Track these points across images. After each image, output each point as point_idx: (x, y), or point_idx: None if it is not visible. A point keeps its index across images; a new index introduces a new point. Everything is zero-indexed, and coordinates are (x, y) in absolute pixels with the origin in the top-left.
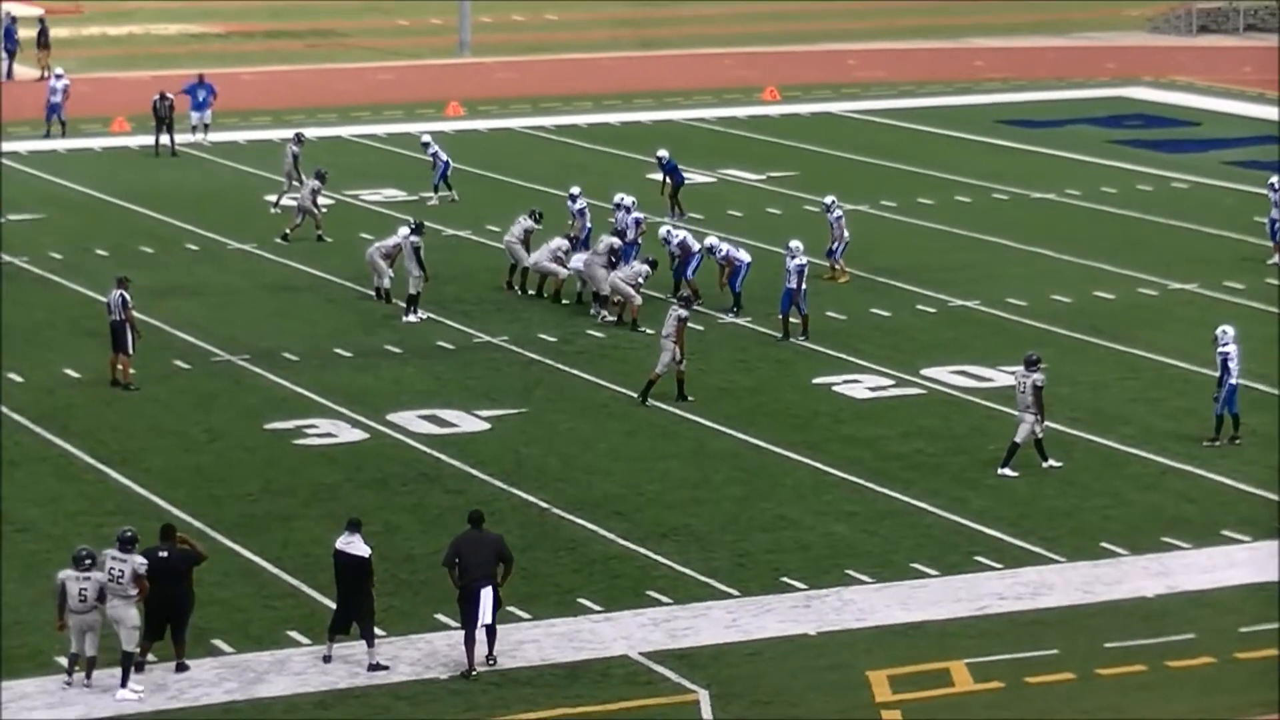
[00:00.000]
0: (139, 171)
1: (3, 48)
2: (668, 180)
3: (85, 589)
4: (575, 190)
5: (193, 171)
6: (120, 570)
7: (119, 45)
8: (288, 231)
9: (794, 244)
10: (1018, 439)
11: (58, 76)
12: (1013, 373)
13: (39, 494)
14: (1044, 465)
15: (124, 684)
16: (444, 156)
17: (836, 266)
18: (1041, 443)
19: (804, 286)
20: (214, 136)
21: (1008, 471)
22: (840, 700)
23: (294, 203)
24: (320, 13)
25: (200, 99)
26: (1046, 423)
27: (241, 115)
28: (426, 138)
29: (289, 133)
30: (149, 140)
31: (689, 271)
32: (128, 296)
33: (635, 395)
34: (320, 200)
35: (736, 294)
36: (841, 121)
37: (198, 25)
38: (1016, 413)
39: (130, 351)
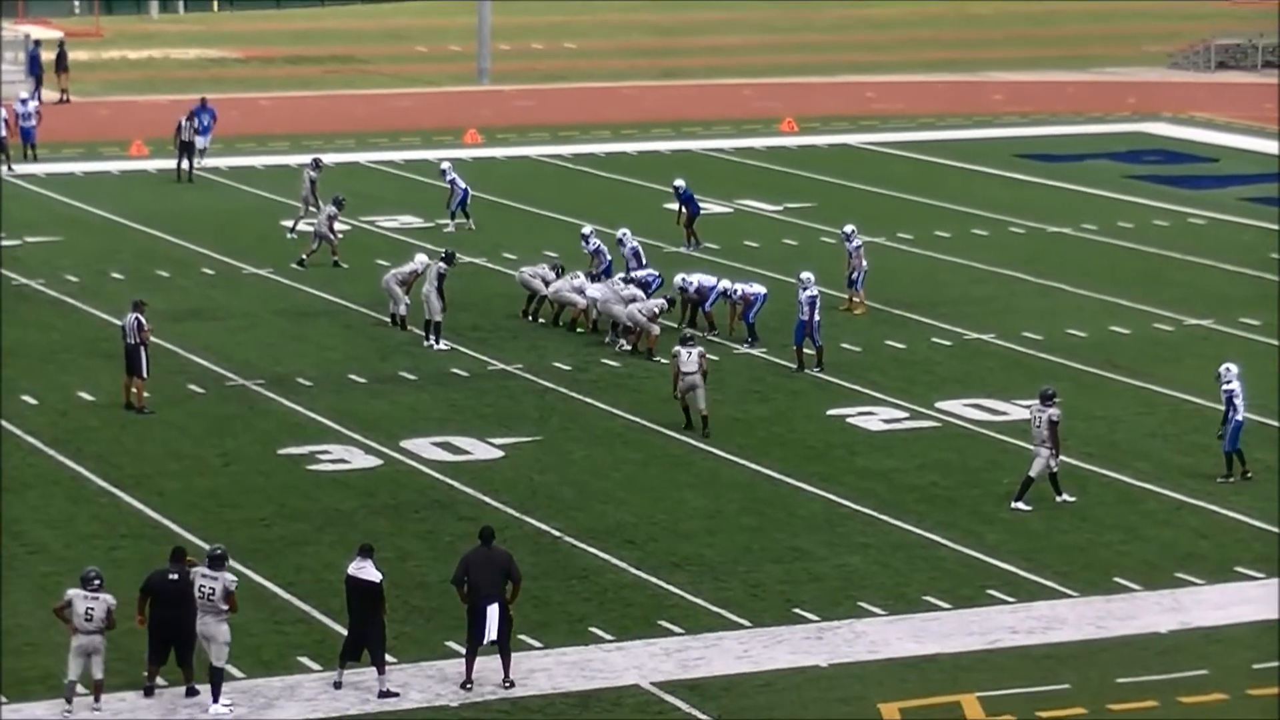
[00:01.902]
0: (157, 195)
1: (28, 71)
2: (683, 210)
3: (93, 609)
4: (586, 230)
5: (210, 196)
6: (211, 588)
7: (138, 69)
8: (304, 257)
9: (805, 275)
10: (1032, 473)
11: (23, 101)
12: (1028, 406)
13: (52, 516)
14: (1058, 499)
15: (215, 699)
16: (462, 184)
17: (856, 298)
18: (1056, 477)
19: (817, 318)
20: (233, 161)
21: (1021, 506)
22: None
23: (310, 228)
24: (339, 39)
25: (205, 124)
26: (1061, 457)
27: (259, 140)
28: (445, 164)
29: (307, 158)
30: (167, 164)
31: (707, 304)
32: (143, 320)
33: (650, 424)
34: (337, 226)
35: (751, 325)
36: (859, 153)
37: (217, 50)
38: (1032, 447)
39: (145, 375)
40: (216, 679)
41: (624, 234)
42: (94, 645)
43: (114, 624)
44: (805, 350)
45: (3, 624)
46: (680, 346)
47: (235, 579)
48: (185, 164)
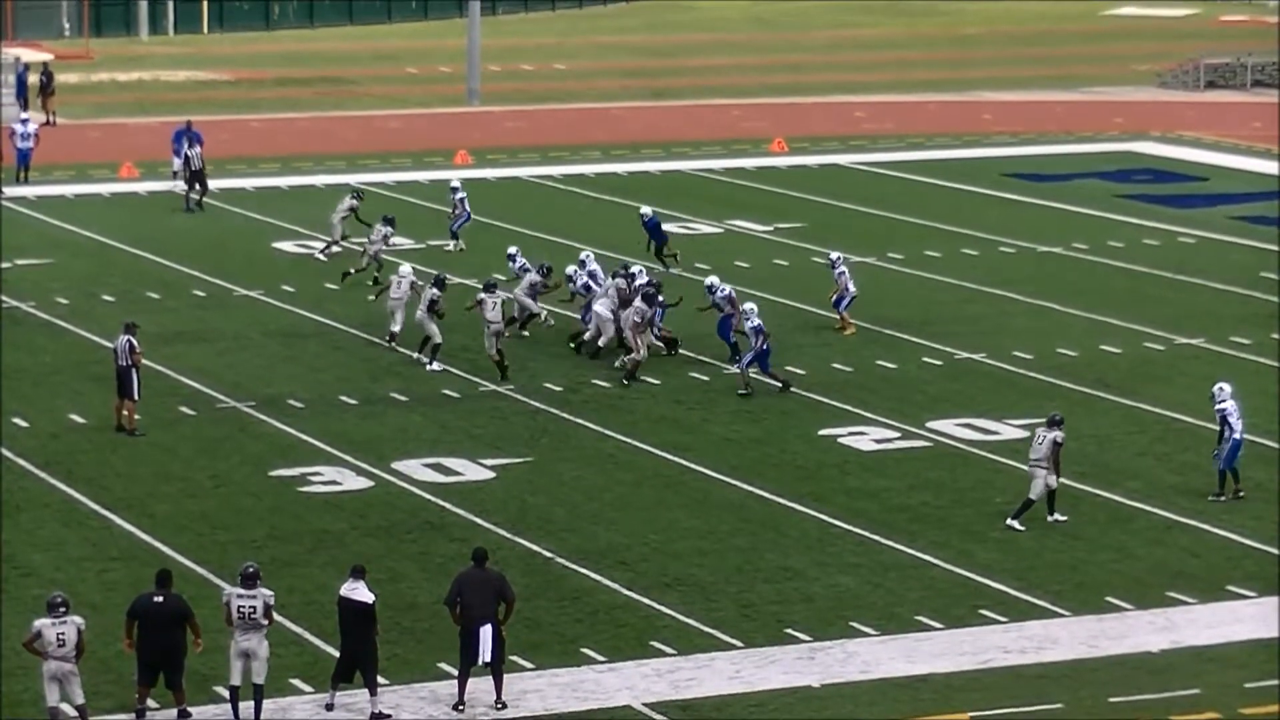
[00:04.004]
0: (147, 217)
1: (15, 94)
2: (651, 240)
3: (63, 634)
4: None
5: (201, 218)
6: (251, 606)
7: (128, 91)
8: (351, 270)
9: (748, 306)
10: (1033, 495)
11: (23, 122)
12: (1031, 428)
13: (43, 539)
14: (1050, 518)
15: (257, 716)
16: (468, 208)
17: (844, 320)
18: (1054, 496)
19: (766, 345)
20: (223, 183)
21: (1016, 525)
22: None
23: (339, 250)
24: (329, 60)
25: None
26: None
27: (249, 162)
28: (457, 183)
29: (297, 180)
30: (157, 186)
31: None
32: (135, 342)
33: (642, 445)
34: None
35: (732, 344)
36: (850, 173)
37: (206, 72)
38: (1027, 467)
39: (136, 397)
40: (259, 696)
41: (586, 255)
42: (66, 671)
43: (84, 647)
44: (774, 374)
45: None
46: (485, 294)
47: (272, 593)
48: (195, 193)
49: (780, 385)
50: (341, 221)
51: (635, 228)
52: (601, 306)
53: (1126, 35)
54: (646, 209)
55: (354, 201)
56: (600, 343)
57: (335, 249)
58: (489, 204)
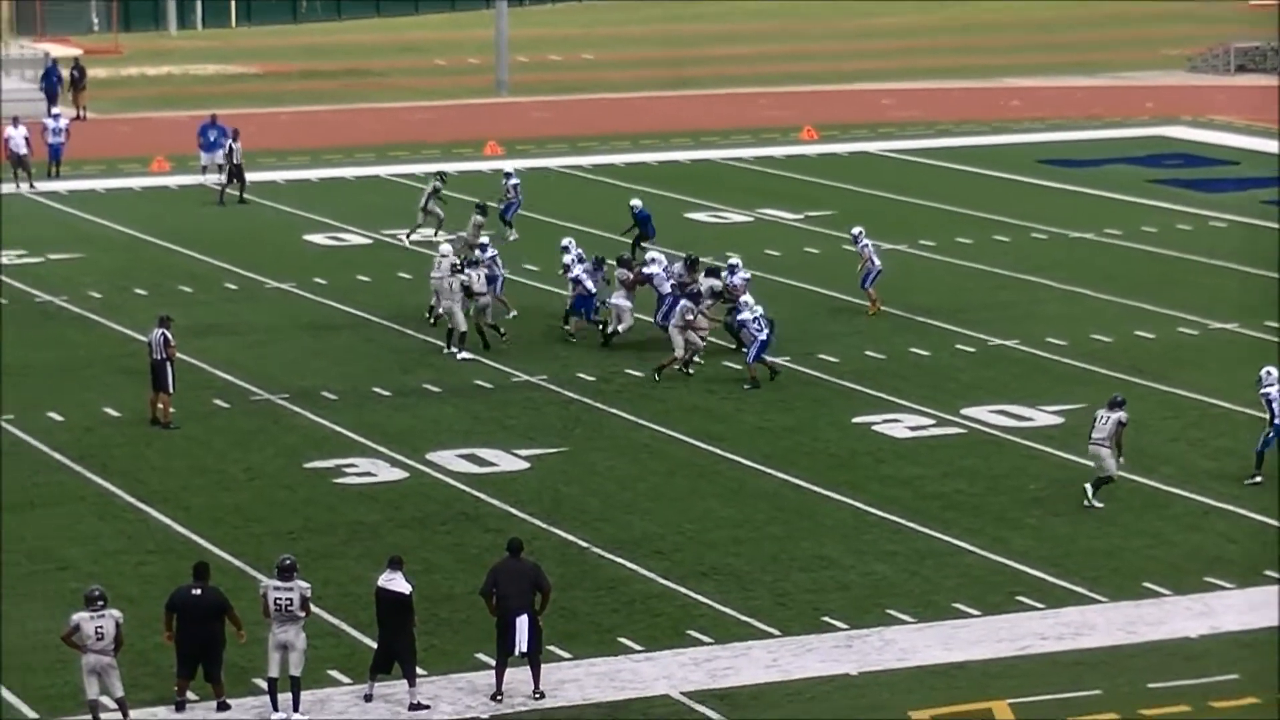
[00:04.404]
0: (178, 211)
1: (44, 89)
2: (637, 230)
3: (102, 627)
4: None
5: (231, 211)
6: (288, 598)
7: (157, 85)
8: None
9: (746, 299)
10: (1110, 472)
11: (54, 117)
12: (1064, 413)
13: (79, 533)
14: (1086, 502)
15: (296, 707)
16: (520, 195)
17: (871, 297)
18: (1108, 480)
19: (763, 337)
20: (252, 176)
21: (1095, 502)
22: None
23: (422, 237)
24: (357, 53)
25: (211, 139)
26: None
27: (279, 155)
28: (511, 169)
29: (328, 172)
30: (188, 180)
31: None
32: (170, 335)
33: (676, 435)
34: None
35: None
36: (879, 161)
37: (235, 66)
38: (1089, 449)
39: (171, 390)
40: (297, 688)
41: (568, 242)
42: (105, 664)
43: (123, 640)
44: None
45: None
46: (471, 270)
47: (309, 585)
48: (233, 188)
49: (770, 374)
50: (431, 204)
51: (666, 217)
52: (619, 297)
53: (1155, 19)
54: (637, 201)
55: (438, 183)
56: (621, 328)
57: (421, 234)
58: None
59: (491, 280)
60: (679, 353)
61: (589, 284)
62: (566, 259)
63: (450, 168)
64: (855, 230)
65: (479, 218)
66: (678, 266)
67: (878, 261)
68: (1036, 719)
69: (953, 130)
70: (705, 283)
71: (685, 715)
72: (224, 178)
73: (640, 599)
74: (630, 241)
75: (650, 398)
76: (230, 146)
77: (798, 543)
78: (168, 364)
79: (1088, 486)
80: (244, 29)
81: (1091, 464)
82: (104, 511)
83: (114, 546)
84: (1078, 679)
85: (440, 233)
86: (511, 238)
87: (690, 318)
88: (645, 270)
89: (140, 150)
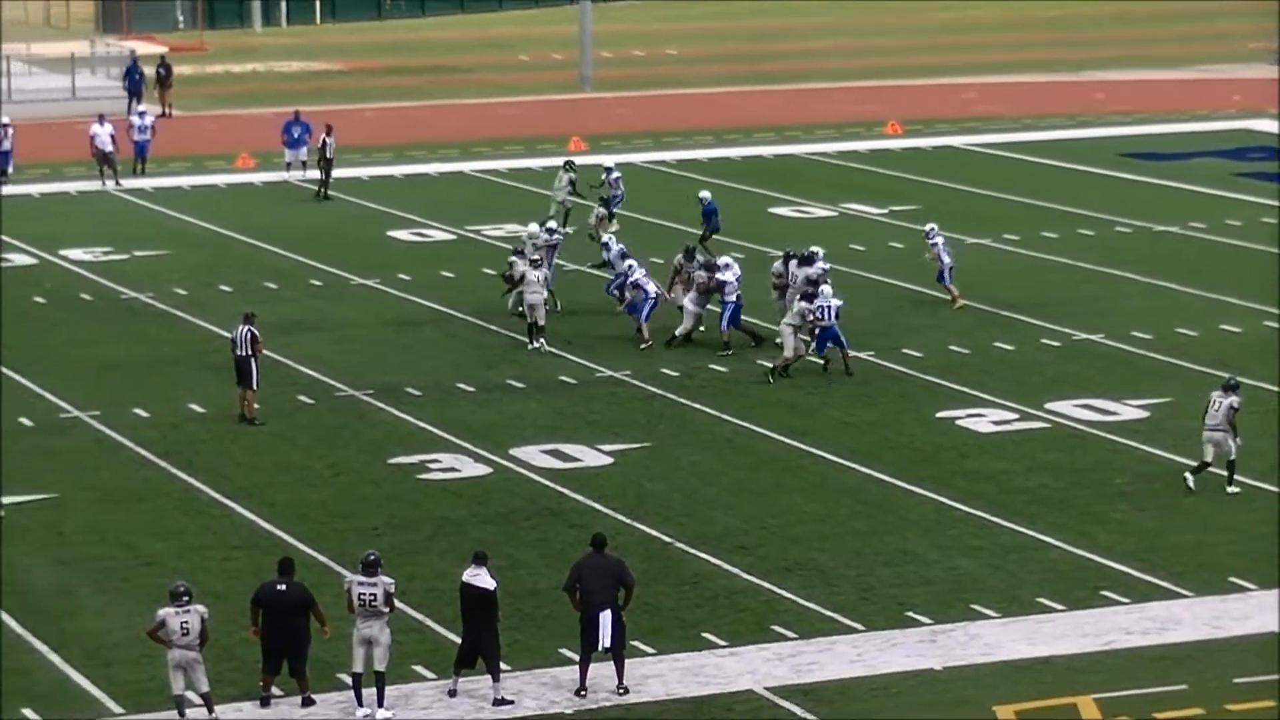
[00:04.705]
0: (263, 207)
1: (127, 87)
2: (704, 225)
3: (187, 622)
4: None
5: (316, 207)
6: (372, 594)
7: (242, 82)
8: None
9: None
10: (1208, 459)
11: (140, 114)
12: (1150, 407)
13: (164, 528)
14: (1228, 490)
15: (381, 703)
16: (623, 188)
17: (950, 291)
18: (1233, 466)
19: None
20: (336, 173)
21: (1190, 482)
22: None
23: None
24: (441, 49)
25: (295, 135)
26: (1182, 457)
27: (363, 151)
28: (611, 162)
29: (412, 169)
30: (273, 176)
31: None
32: (256, 331)
33: (759, 429)
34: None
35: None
36: (963, 155)
37: (320, 62)
38: (1204, 434)
39: (256, 386)
40: (381, 684)
41: (608, 238)
42: (190, 659)
43: (208, 635)
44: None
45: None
46: (531, 270)
47: (393, 581)
48: (323, 183)
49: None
50: (564, 196)
51: (751, 213)
52: (689, 301)
53: (1239, 14)
54: (705, 193)
55: (572, 175)
56: (678, 331)
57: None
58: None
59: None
60: (789, 352)
61: (650, 287)
62: (626, 264)
63: (534, 164)
64: (928, 227)
65: (601, 210)
66: (678, 258)
67: (947, 258)
68: (1122, 714)
69: (1036, 124)
70: (800, 273)
71: (769, 711)
72: (319, 173)
73: (724, 594)
74: (700, 239)
75: (734, 393)
76: (324, 141)
77: (882, 538)
78: (252, 360)
79: (1188, 475)
80: (328, 26)
81: (1208, 450)
82: (189, 507)
83: (199, 542)
84: (1163, 674)
85: (566, 225)
86: (614, 228)
87: (809, 319)
88: (720, 276)
89: (225, 147)
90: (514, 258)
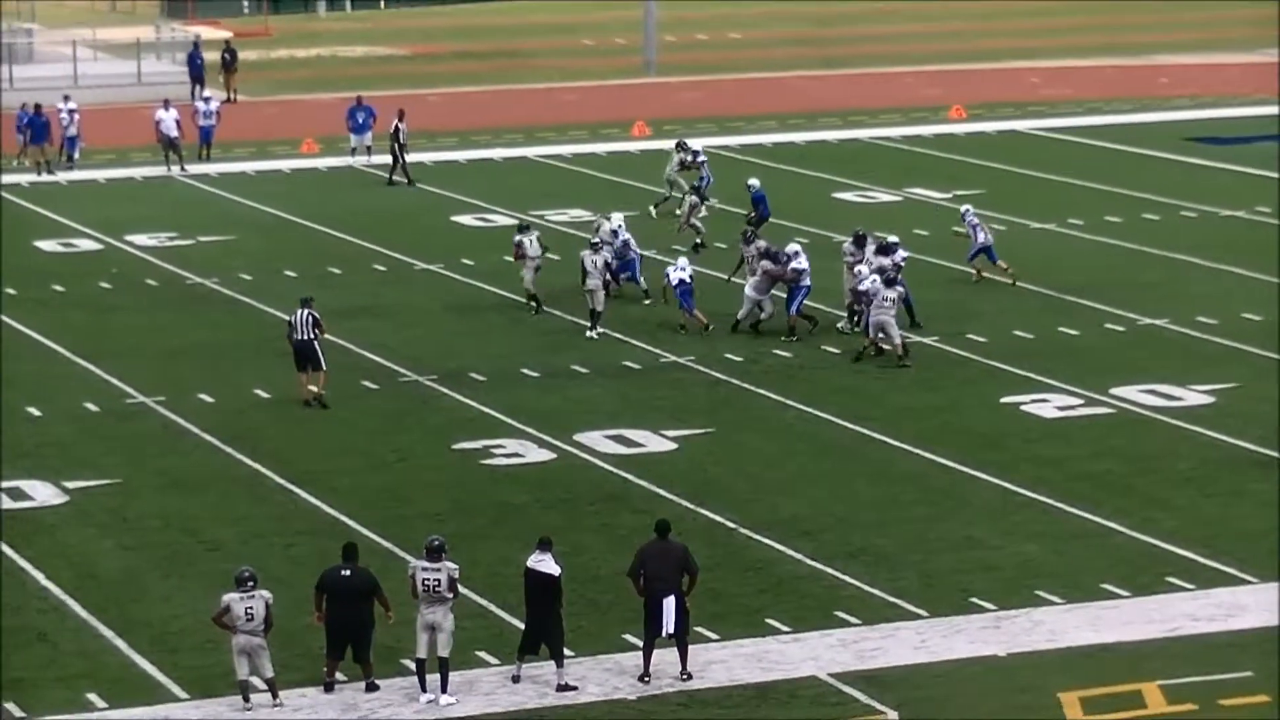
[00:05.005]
0: (327, 193)
1: (191, 73)
2: (753, 212)
3: (252, 608)
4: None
5: (379, 193)
6: (437, 579)
7: (307, 68)
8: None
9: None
10: None
11: (205, 100)
12: (1215, 392)
13: (229, 514)
14: None
15: (444, 689)
16: (709, 171)
17: (997, 268)
18: None
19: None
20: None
21: None
22: None
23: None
24: (505, 34)
25: (360, 120)
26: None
27: (429, 136)
28: (698, 146)
29: (478, 153)
30: (337, 162)
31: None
32: (316, 315)
33: (823, 415)
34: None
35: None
36: (1028, 139)
37: (384, 47)
38: None
39: (324, 367)
40: (444, 669)
41: (619, 224)
42: (255, 644)
43: (272, 621)
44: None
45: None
46: (591, 255)
47: (457, 566)
48: (402, 168)
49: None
50: (675, 176)
51: (814, 197)
52: (751, 287)
53: None
54: (754, 180)
55: (683, 155)
56: (740, 315)
57: (668, 207)
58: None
59: (626, 266)
60: (897, 341)
61: (683, 274)
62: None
63: (598, 149)
64: (964, 208)
65: (694, 198)
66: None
67: (981, 236)
68: (1187, 701)
69: (1101, 108)
70: (876, 261)
71: (832, 696)
72: (391, 158)
73: (787, 580)
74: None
75: (797, 378)
76: (396, 126)
77: (945, 523)
78: (315, 343)
79: None
80: (392, 10)
81: None
82: (254, 493)
83: (264, 528)
84: (1229, 661)
85: (677, 208)
86: (703, 213)
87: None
88: (795, 265)
89: (290, 133)
90: (519, 235)
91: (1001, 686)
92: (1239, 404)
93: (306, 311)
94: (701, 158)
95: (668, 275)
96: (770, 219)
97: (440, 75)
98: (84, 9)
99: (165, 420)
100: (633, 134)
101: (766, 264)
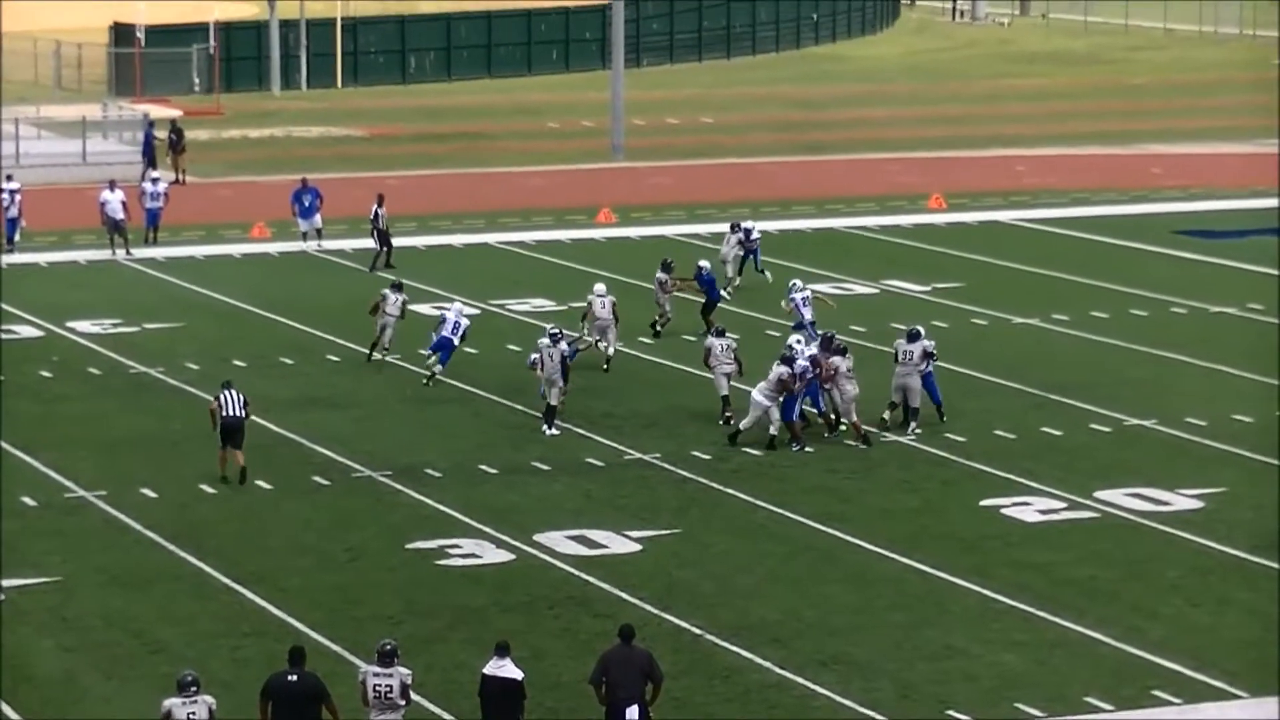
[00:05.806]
0: (279, 279)
1: (141, 152)
2: (705, 295)
3: (194, 713)
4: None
5: (334, 279)
6: (388, 685)
7: (260, 148)
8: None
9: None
10: None
11: (154, 181)
12: (1204, 497)
13: (174, 613)
14: None
15: None
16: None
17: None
18: None
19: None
20: (356, 243)
21: None
22: None
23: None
24: (468, 115)
25: (306, 204)
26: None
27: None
28: (750, 223)
29: (436, 239)
30: (289, 246)
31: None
32: (243, 395)
33: (794, 516)
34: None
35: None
36: (1011, 230)
37: (341, 128)
38: None
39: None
40: None
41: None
42: None
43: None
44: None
45: None
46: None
47: (410, 671)
48: (385, 253)
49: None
50: (735, 259)
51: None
52: (759, 394)
53: None
54: (704, 263)
55: (740, 235)
56: (743, 425)
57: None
58: (633, 263)
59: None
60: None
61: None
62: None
63: (563, 235)
64: (792, 282)
65: (767, 275)
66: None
67: (808, 314)
68: None
69: (1089, 199)
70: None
71: None
72: (374, 243)
73: (756, 689)
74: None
75: (768, 477)
76: (375, 211)
77: (922, 631)
78: (245, 422)
79: None
80: (350, 90)
81: None
82: (199, 592)
83: (209, 629)
84: None
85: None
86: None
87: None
88: (798, 367)
89: (241, 215)
90: (387, 290)
91: None
92: (1228, 510)
93: (233, 391)
94: (755, 234)
95: None
96: (720, 304)
97: (399, 157)
98: (29, 85)
99: (106, 515)
100: (598, 220)
101: (783, 370)
